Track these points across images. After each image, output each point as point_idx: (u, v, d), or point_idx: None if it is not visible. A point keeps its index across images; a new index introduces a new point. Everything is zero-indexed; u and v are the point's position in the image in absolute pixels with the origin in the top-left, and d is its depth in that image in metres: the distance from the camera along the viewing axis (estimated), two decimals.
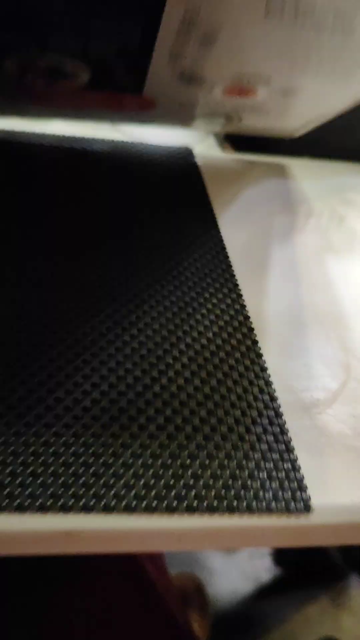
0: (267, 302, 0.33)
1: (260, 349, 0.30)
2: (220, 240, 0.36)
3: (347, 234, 0.41)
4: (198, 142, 0.48)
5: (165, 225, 0.35)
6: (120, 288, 0.31)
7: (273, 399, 0.28)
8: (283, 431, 0.26)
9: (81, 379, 0.26)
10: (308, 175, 0.47)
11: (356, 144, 0.48)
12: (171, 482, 0.23)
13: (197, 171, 0.43)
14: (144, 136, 0.47)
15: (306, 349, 0.31)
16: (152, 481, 0.23)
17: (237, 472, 0.24)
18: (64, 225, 0.35)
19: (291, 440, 0.26)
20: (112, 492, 0.22)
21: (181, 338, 0.29)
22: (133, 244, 0.34)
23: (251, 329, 0.31)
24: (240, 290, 0.33)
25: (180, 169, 0.43)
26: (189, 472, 0.23)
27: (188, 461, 0.24)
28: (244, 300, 0.33)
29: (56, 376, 0.26)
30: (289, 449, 0.25)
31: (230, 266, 0.35)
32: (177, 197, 0.39)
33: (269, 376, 0.29)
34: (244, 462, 0.24)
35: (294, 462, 0.25)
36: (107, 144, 0.44)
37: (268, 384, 0.28)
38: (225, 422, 0.26)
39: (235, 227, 0.39)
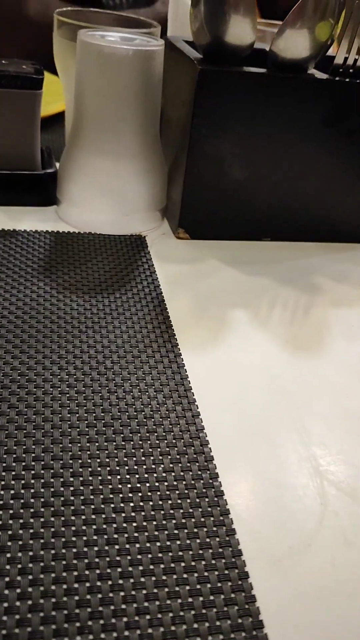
0: (222, 411, 0.30)
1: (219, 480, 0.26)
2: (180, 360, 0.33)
3: (314, 325, 0.38)
4: (150, 230, 0.46)
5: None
6: None
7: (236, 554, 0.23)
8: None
9: None
10: (269, 259, 0.45)
11: (318, 223, 0.48)
12: None
13: (150, 262, 0.41)
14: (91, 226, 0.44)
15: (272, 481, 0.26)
16: None
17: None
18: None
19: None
20: None
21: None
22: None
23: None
24: (198, 408, 0.30)
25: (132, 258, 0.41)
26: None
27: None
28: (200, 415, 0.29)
29: None
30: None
31: (190, 387, 0.31)
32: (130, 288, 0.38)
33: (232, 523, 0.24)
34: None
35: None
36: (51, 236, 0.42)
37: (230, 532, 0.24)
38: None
39: (192, 327, 0.36)
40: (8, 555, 0.22)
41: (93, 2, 0.97)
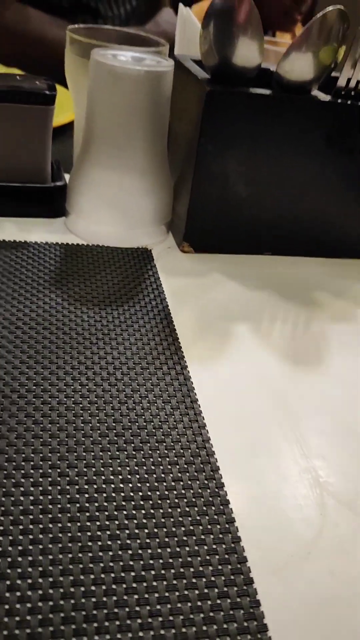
0: (226, 422, 0.31)
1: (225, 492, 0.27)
2: (188, 377, 0.34)
3: (314, 340, 0.39)
4: (155, 243, 0.47)
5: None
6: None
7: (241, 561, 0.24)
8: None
9: None
10: (270, 273, 0.46)
11: (317, 239, 0.50)
12: None
13: (156, 275, 0.43)
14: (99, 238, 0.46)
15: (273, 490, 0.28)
16: None
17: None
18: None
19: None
20: None
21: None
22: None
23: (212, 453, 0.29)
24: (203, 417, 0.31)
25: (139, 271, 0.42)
26: None
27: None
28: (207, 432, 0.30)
29: None
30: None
31: (197, 401, 0.32)
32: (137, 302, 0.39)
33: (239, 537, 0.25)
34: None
35: None
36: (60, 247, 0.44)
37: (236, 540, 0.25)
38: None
39: (197, 340, 0.37)
40: (61, 567, 0.23)
41: (70, 15, 0.98)
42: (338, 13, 0.40)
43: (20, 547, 0.23)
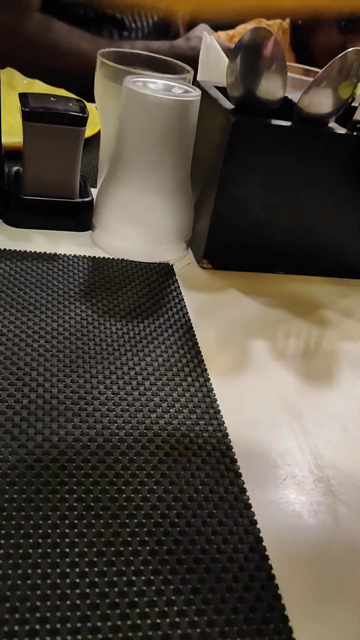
0: (246, 433, 0.34)
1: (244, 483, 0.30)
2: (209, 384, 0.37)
3: (324, 357, 0.42)
4: (177, 259, 0.50)
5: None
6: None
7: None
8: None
9: None
10: (283, 291, 0.49)
11: (328, 259, 0.53)
12: None
13: (178, 290, 0.46)
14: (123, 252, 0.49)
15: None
16: None
17: None
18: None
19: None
20: None
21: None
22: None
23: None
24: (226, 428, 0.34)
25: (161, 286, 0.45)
26: None
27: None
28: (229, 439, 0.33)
29: None
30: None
31: (219, 412, 0.35)
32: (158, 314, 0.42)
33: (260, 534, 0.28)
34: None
35: None
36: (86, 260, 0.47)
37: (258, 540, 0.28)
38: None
39: (217, 355, 0.40)
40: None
41: (95, 26, 1.00)
42: (357, 52, 0.43)
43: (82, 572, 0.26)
